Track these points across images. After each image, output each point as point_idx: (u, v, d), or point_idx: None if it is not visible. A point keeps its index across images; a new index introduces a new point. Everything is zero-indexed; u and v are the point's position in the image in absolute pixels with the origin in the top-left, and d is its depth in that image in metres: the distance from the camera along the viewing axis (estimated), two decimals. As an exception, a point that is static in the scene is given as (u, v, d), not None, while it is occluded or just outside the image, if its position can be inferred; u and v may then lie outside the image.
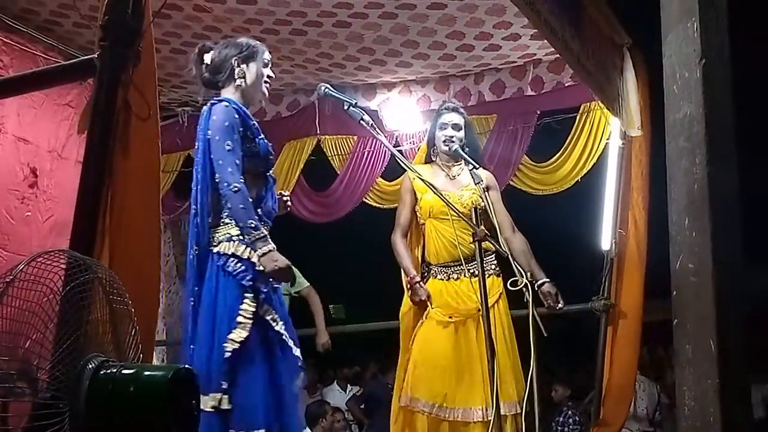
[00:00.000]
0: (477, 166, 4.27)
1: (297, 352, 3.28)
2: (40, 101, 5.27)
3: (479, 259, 3.66)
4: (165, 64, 5.63)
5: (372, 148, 6.40)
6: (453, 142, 4.34)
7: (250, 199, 3.21)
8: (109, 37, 2.57)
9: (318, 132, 6.54)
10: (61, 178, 5.32)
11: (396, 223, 4.40)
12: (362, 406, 8.27)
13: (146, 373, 2.24)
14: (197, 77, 3.52)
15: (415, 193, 4.39)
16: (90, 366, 2.18)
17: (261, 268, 3.18)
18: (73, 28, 5.30)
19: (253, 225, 3.15)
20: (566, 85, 5.84)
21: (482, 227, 3.74)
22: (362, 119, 3.58)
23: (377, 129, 3.67)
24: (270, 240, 3.20)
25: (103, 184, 2.51)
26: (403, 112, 6.30)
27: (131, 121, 2.69)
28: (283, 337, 3.24)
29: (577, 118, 5.87)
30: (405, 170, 4.33)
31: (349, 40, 5.53)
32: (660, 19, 3.14)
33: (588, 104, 5.78)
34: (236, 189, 3.16)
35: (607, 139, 5.65)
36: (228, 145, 3.20)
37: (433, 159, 4.49)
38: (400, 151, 4.35)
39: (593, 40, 4.90)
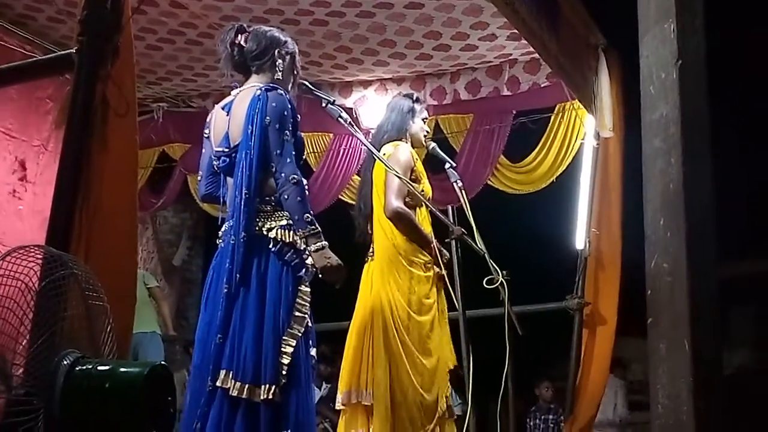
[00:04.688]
0: (453, 164, 4.27)
1: (313, 351, 3.15)
2: (20, 95, 5.23)
3: (455, 257, 3.66)
4: (140, 60, 5.58)
5: (348, 146, 6.39)
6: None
7: (307, 192, 3.13)
8: (88, 31, 2.56)
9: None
10: (49, 172, 5.25)
11: (399, 191, 3.92)
12: (332, 405, 8.26)
13: (122, 369, 2.23)
14: (226, 57, 3.35)
15: (413, 172, 4.03)
16: (65, 362, 2.17)
17: (310, 263, 3.07)
18: (47, 22, 5.26)
19: (309, 219, 3.04)
20: (542, 85, 5.86)
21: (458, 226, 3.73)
22: (340, 116, 3.57)
23: (355, 127, 3.66)
24: (323, 237, 3.08)
25: (80, 179, 2.49)
26: (378, 110, 6.29)
27: (109, 116, 2.67)
28: (310, 334, 3.12)
29: (552, 117, 5.90)
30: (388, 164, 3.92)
31: (326, 39, 5.52)
32: (636, 20, 3.16)
33: (563, 104, 5.79)
34: (295, 180, 3.07)
35: (582, 139, 5.69)
36: (286, 134, 3.13)
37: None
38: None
39: (569, 40, 4.93)
